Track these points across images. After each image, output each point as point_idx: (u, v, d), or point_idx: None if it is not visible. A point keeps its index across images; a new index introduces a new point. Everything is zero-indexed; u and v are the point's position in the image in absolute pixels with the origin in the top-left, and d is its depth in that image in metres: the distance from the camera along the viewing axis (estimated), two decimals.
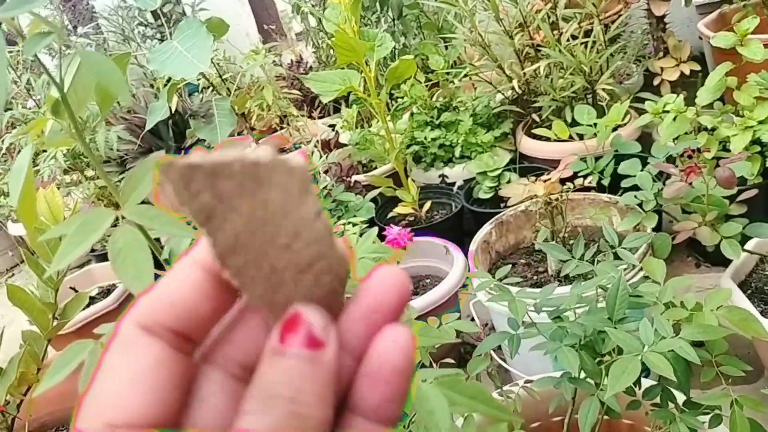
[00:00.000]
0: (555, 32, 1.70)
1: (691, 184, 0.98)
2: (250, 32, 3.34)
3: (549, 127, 1.67)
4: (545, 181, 1.16)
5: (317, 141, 1.72)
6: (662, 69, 1.65)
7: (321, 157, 1.52)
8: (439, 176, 1.82)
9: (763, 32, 1.77)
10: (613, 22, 2.08)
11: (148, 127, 1.62)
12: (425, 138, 1.80)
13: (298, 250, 0.22)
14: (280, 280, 0.22)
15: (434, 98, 1.89)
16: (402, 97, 1.87)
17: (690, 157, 1.20)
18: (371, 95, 1.60)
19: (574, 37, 1.73)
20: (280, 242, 0.21)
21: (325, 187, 1.50)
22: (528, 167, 1.74)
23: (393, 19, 2.18)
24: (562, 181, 1.27)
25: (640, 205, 1.11)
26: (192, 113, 1.71)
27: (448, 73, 1.88)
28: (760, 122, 1.34)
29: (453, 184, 1.80)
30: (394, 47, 2.16)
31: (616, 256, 0.86)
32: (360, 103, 1.82)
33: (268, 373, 0.22)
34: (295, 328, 0.22)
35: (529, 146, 1.76)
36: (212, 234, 0.21)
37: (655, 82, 1.70)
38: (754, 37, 1.58)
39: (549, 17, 1.74)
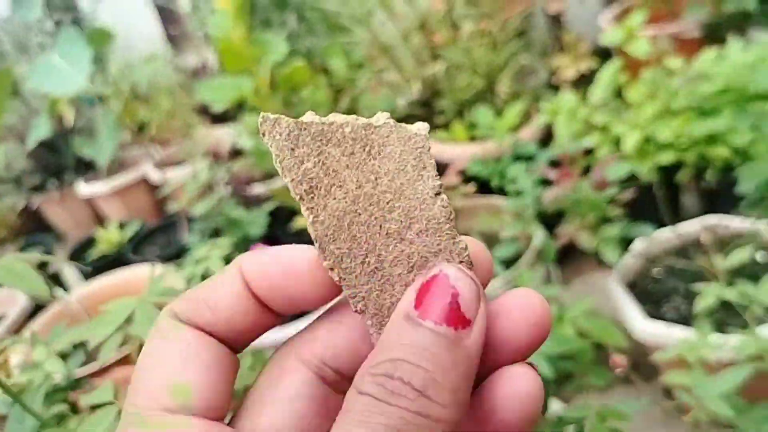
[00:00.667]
0: (454, 33, 1.67)
1: (572, 188, 0.95)
2: (158, 37, 3.23)
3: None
4: None
5: (208, 151, 1.64)
6: (559, 66, 1.64)
7: (211, 168, 1.44)
8: None
9: (659, 23, 1.79)
10: (523, 18, 2.08)
11: (30, 145, 1.52)
12: None
13: (411, 240, 0.19)
14: (388, 277, 0.19)
15: (339, 103, 1.84)
16: (298, 103, 1.81)
17: (573, 160, 1.18)
18: (266, 102, 1.53)
19: (482, 37, 1.70)
20: (390, 228, 0.19)
21: (220, 200, 1.43)
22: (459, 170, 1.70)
23: (301, 20, 2.11)
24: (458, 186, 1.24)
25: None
26: (78, 128, 1.61)
27: (352, 77, 1.83)
28: (651, 119, 1.33)
29: None
30: (302, 50, 2.11)
31: None
32: (256, 110, 1.75)
33: (393, 349, 0.17)
34: (438, 294, 0.18)
35: (434, 149, 1.72)
36: (313, 211, 0.19)
37: (554, 80, 1.68)
38: (649, 33, 1.59)
39: (448, 18, 1.72)
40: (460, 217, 1.34)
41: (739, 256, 0.82)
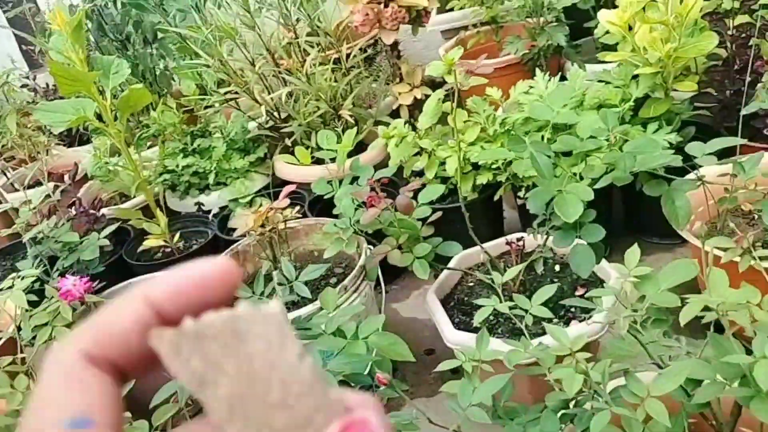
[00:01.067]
0: (300, 60, 1.75)
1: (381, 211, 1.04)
2: (14, 55, 3.09)
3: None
4: (255, 212, 1.19)
5: (52, 173, 1.62)
6: (399, 94, 1.76)
7: (51, 192, 1.42)
8: (195, 204, 1.80)
9: (494, 56, 1.96)
10: (369, 46, 2.19)
11: None
12: (177, 166, 1.76)
13: (293, 405, 0.21)
14: None
15: (190, 124, 1.86)
16: (149, 125, 1.82)
17: (383, 184, 1.28)
18: (109, 125, 1.53)
19: (335, 63, 1.79)
20: (272, 399, 0.21)
21: (56, 225, 1.41)
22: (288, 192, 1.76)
23: (149, 42, 2.12)
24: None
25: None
26: None
27: (201, 99, 1.86)
28: (471, 144, 1.47)
29: (209, 211, 1.78)
30: (153, 73, 2.11)
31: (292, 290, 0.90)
32: (100, 132, 1.74)
33: None
34: None
35: (284, 171, 1.79)
36: (208, 402, 0.21)
37: (394, 107, 1.80)
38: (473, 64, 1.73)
39: (297, 46, 1.79)
40: (293, 238, 1.41)
41: (513, 271, 0.94)
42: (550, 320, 0.93)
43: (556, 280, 1.24)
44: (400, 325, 1.58)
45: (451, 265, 1.26)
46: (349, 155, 1.62)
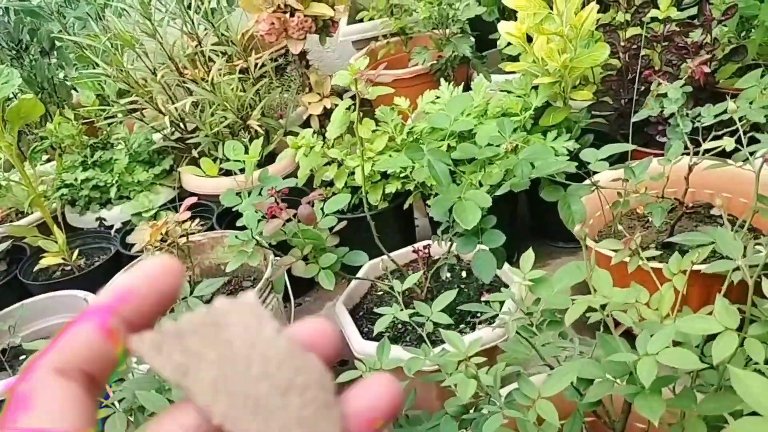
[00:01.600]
0: (205, 69, 1.71)
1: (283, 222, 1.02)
2: None
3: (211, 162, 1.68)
4: (152, 225, 1.15)
5: None
6: (309, 104, 1.74)
7: None
8: (96, 219, 1.72)
9: (403, 66, 1.97)
10: (280, 56, 2.17)
11: None
12: (76, 179, 1.68)
13: (273, 374, 0.22)
14: (269, 409, 0.21)
15: (90, 136, 1.78)
16: (46, 137, 1.73)
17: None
18: (0, 137, 1.45)
19: (243, 72, 1.75)
20: (254, 372, 0.22)
21: None
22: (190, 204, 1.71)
23: (47, 51, 2.02)
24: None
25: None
26: None
27: (102, 110, 1.78)
28: (379, 153, 1.47)
29: (111, 227, 1.70)
30: (56, 80, 2.01)
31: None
32: None
33: None
34: None
35: (191, 183, 1.74)
36: (192, 388, 0.22)
37: (304, 117, 1.79)
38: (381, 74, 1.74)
39: (202, 55, 1.75)
40: (198, 252, 1.37)
41: (412, 278, 0.94)
42: (450, 326, 0.93)
43: (462, 286, 1.25)
44: None
45: (359, 274, 1.25)
46: (261, 166, 1.60)
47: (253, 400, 0.22)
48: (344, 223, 1.12)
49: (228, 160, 1.60)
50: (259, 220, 1.10)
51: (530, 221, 1.66)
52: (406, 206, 1.50)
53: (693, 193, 1.33)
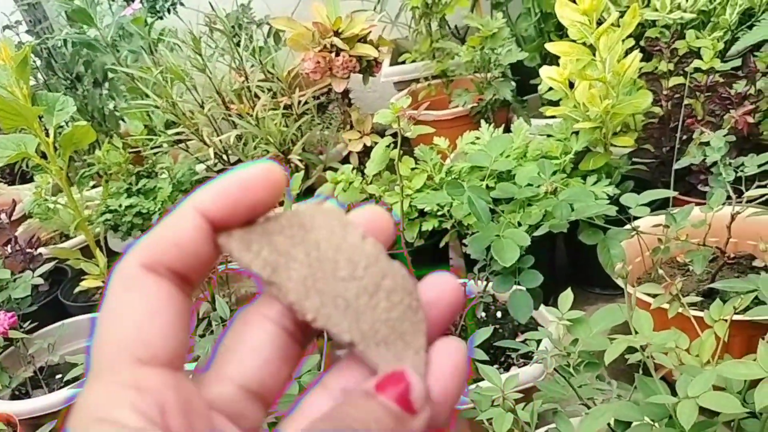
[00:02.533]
0: (250, 104, 1.76)
1: None
2: None
3: None
4: None
5: None
6: (349, 140, 1.78)
7: None
8: None
9: (443, 108, 2.00)
10: (323, 94, 2.22)
11: None
12: (120, 206, 1.73)
13: (361, 276, 0.23)
14: (358, 309, 0.23)
15: (136, 165, 1.84)
16: (94, 164, 1.79)
17: None
18: (51, 162, 1.50)
19: (287, 108, 1.80)
20: (342, 274, 0.23)
21: None
22: None
23: (99, 82, 2.10)
24: None
25: None
26: None
27: (149, 139, 1.84)
28: (417, 191, 1.48)
29: None
30: (101, 112, 2.09)
31: None
32: (40, 169, 1.71)
33: (349, 411, 0.21)
34: (395, 383, 0.22)
35: None
36: (283, 285, 0.23)
37: (344, 153, 1.82)
38: (422, 114, 1.77)
39: (248, 90, 1.80)
40: (235, 280, 1.39)
41: None
42: (486, 363, 0.92)
43: (497, 326, 1.24)
44: None
45: None
46: (300, 201, 1.63)
47: (342, 300, 0.23)
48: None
49: None
50: None
51: (567, 266, 1.65)
52: (442, 244, 1.50)
53: (735, 244, 1.31)
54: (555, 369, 0.82)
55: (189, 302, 0.24)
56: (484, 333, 0.85)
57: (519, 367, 1.11)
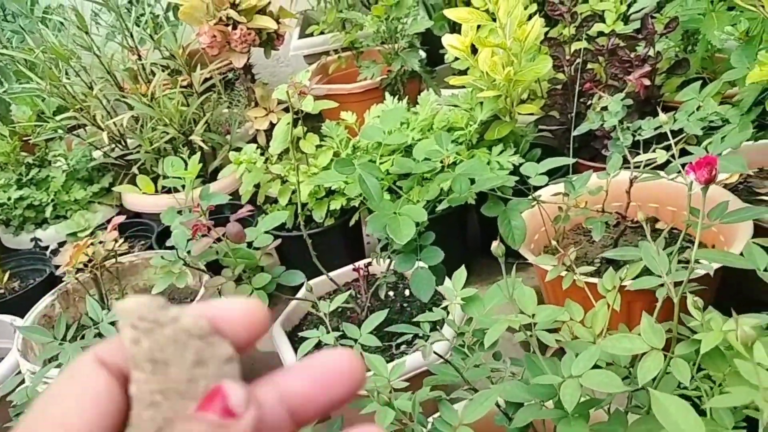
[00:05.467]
0: (146, 85, 1.66)
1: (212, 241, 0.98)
2: None
3: (155, 180, 1.62)
4: (75, 246, 1.09)
5: None
6: (255, 118, 1.70)
7: None
8: (31, 240, 1.64)
9: (350, 80, 1.94)
10: (230, 71, 2.12)
11: None
12: (9, 198, 1.61)
13: (205, 374, 0.23)
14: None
15: (27, 154, 1.71)
16: None
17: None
18: None
19: (187, 86, 1.70)
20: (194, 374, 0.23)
21: None
22: (130, 223, 1.65)
23: None
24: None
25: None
26: None
27: (38, 125, 1.72)
28: (324, 168, 1.43)
29: (47, 248, 1.63)
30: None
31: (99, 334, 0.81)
32: None
33: None
34: (212, 399, 0.23)
35: (131, 201, 1.68)
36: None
37: (251, 132, 1.74)
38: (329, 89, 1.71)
39: (142, 68, 1.70)
40: (131, 273, 1.31)
41: (339, 299, 0.90)
42: (381, 350, 0.89)
43: (405, 305, 1.21)
44: (257, 361, 1.50)
45: (299, 294, 1.21)
46: (207, 184, 1.55)
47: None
48: (278, 241, 1.08)
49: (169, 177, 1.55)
50: (189, 239, 1.05)
51: (480, 236, 1.63)
52: (351, 223, 1.46)
53: (637, 208, 1.32)
54: (436, 352, 0.80)
55: (125, 400, 0.24)
56: (378, 317, 0.82)
57: (415, 349, 1.08)
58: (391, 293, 1.23)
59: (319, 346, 0.82)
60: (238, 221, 0.99)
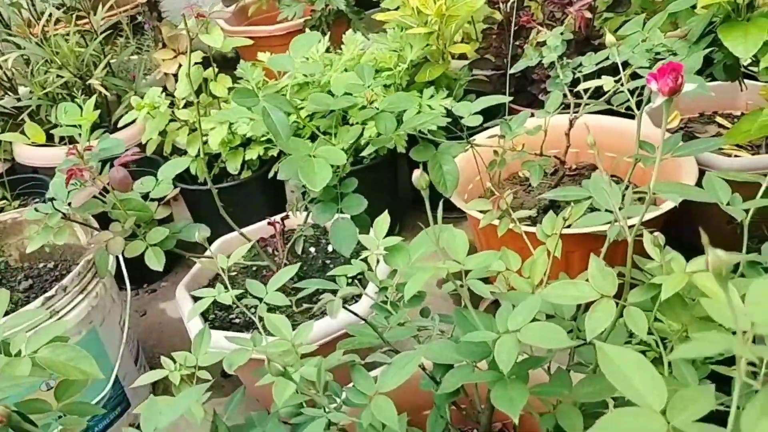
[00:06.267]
0: (36, 24, 1.46)
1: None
2: None
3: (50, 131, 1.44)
4: None
5: None
6: (163, 61, 1.53)
7: None
8: None
9: (272, 23, 1.79)
10: (139, 14, 1.93)
11: None
12: None
13: None
14: None
15: None
16: None
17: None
18: None
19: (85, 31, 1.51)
20: None
21: None
22: (23, 179, 1.47)
23: None
24: None
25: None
26: None
27: None
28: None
29: None
30: None
31: None
32: None
33: None
34: None
35: (23, 153, 1.49)
36: None
37: (160, 78, 1.57)
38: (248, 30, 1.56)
39: (32, 5, 1.50)
40: (12, 233, 1.15)
41: (238, 253, 0.78)
42: (291, 310, 0.78)
43: (329, 261, 1.10)
44: (168, 327, 1.37)
45: (209, 252, 1.07)
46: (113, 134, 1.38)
47: None
48: (176, 191, 0.94)
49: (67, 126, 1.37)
50: (71, 190, 0.90)
51: (413, 192, 1.53)
52: (270, 175, 1.32)
53: (576, 154, 1.24)
54: (374, 307, 0.69)
55: None
56: (287, 273, 0.70)
57: (350, 305, 0.98)
58: (312, 249, 1.12)
59: (219, 307, 0.71)
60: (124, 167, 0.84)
